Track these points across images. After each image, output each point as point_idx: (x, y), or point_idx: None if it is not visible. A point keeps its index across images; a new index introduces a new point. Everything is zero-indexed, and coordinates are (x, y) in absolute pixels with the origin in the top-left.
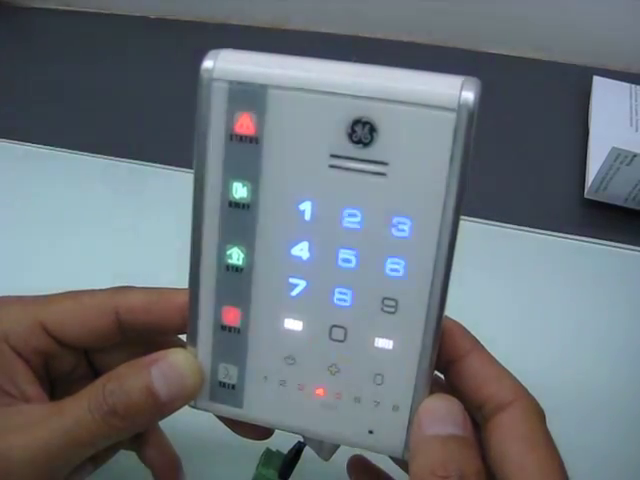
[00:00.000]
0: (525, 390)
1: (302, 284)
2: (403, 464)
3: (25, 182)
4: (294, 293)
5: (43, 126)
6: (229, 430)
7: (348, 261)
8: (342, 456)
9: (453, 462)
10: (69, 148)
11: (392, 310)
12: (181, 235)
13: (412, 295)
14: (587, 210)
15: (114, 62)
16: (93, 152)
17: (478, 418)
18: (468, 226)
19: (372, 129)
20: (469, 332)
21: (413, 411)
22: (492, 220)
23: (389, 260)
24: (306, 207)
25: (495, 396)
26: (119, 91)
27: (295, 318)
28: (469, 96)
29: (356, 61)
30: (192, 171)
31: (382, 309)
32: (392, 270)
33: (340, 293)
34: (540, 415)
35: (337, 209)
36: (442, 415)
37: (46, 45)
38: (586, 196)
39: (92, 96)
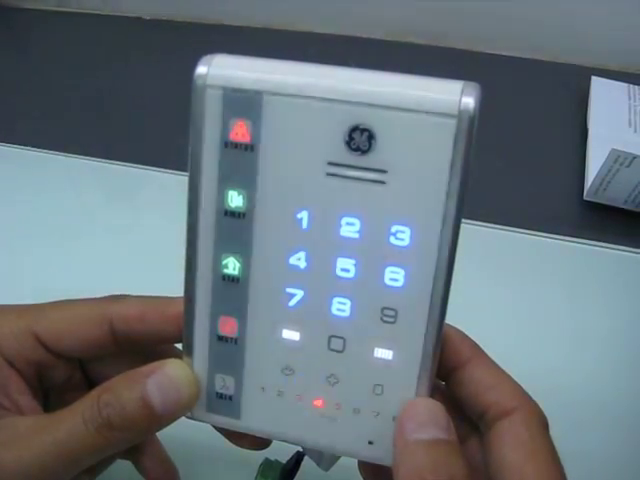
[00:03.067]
0: (528, 396)
1: (300, 294)
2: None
3: (19, 185)
4: (292, 303)
5: (36, 128)
6: (227, 440)
7: (346, 270)
8: (341, 467)
9: (441, 466)
10: (63, 151)
11: (392, 320)
12: (177, 240)
13: (412, 305)
14: (586, 212)
15: (108, 63)
16: (86, 154)
17: (481, 425)
18: (466, 228)
19: (370, 136)
20: (470, 338)
21: None
22: (491, 222)
23: (388, 269)
24: (303, 216)
25: (497, 403)
26: (114, 92)
27: (293, 328)
28: (469, 102)
29: (354, 66)
30: (187, 175)
31: (381, 319)
32: (391, 279)
33: (338, 303)
34: (543, 422)
35: (335, 218)
36: (425, 419)
37: (40, 46)
38: (585, 198)
39: (86, 98)
